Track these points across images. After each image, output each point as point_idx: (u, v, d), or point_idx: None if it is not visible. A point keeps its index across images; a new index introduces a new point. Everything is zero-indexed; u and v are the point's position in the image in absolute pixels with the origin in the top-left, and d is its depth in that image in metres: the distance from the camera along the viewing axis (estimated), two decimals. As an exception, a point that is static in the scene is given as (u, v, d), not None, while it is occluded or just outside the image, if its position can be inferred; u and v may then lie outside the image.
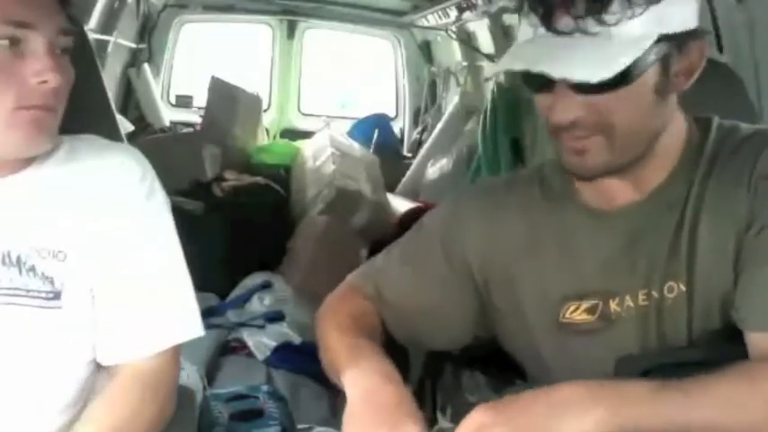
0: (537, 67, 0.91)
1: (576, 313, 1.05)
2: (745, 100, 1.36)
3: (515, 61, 0.95)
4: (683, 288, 0.98)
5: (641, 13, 0.90)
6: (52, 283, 1.00)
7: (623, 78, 0.90)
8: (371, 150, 4.54)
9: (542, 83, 0.94)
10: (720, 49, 1.80)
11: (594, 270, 1.04)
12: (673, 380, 0.85)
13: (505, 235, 1.10)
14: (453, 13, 4.00)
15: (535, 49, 0.94)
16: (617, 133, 0.95)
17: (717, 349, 0.96)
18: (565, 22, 0.91)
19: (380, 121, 5.08)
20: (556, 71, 0.90)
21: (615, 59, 0.89)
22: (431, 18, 4.43)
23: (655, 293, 1.00)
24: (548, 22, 0.92)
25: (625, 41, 0.90)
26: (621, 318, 1.02)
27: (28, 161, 1.03)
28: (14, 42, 0.94)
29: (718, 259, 0.97)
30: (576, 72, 0.90)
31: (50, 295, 1.00)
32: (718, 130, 1.03)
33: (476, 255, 1.12)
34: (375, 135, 4.81)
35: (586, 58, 0.90)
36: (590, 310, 1.04)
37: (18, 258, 0.99)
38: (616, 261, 1.02)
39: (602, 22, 0.90)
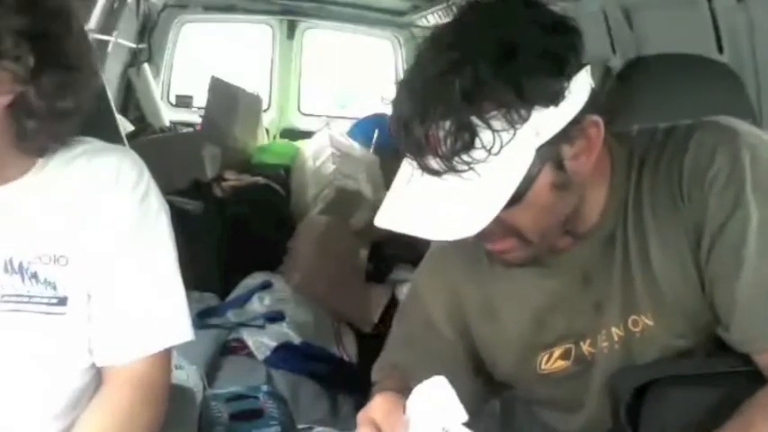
0: (402, 226, 0.87)
1: (552, 362, 1.04)
2: (745, 100, 1.36)
3: (386, 217, 0.90)
4: (647, 321, 0.97)
5: (510, 140, 0.83)
6: (55, 288, 1.00)
7: (510, 201, 0.85)
8: (371, 150, 4.53)
9: None
10: (720, 49, 1.80)
11: (555, 317, 1.03)
12: None
13: (460, 296, 1.10)
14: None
15: (409, 195, 0.89)
16: (528, 234, 0.92)
17: (711, 359, 0.95)
18: (434, 163, 0.86)
19: (380, 121, 5.05)
20: (423, 230, 0.86)
21: (485, 205, 0.84)
22: (431, 18, 4.42)
23: (620, 331, 0.99)
24: (420, 162, 0.87)
25: (498, 175, 0.84)
26: (597, 358, 1.01)
27: (26, 168, 1.03)
28: None
29: (680, 280, 0.94)
30: (442, 230, 0.86)
31: (54, 301, 1.00)
32: (638, 144, 0.99)
33: (444, 319, 1.11)
34: (375, 135, 4.79)
35: (454, 208, 0.85)
36: (564, 356, 1.04)
37: (20, 265, 0.99)
38: (573, 303, 1.01)
39: (469, 161, 0.84)
